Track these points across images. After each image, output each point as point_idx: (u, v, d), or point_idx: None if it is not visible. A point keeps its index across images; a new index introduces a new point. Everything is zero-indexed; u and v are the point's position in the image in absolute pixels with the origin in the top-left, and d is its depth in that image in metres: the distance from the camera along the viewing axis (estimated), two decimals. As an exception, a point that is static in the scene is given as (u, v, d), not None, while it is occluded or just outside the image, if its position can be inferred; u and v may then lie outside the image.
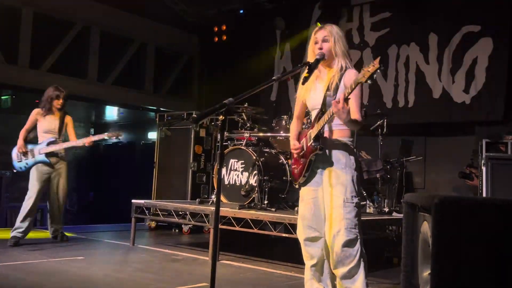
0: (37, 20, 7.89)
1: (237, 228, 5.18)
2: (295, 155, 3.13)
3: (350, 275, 2.87)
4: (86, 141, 5.79)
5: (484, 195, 5.35)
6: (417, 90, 7.22)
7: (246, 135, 6.05)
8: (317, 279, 3.10)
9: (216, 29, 9.37)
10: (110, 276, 4.33)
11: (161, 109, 9.53)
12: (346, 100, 2.69)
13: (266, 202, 5.44)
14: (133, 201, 6.11)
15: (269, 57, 8.86)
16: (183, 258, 5.41)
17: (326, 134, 3.00)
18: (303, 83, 2.98)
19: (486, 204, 2.01)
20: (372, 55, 7.61)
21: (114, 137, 5.92)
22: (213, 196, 6.22)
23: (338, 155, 2.97)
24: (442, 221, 1.91)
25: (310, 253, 3.06)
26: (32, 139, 5.99)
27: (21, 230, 5.70)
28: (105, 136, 5.87)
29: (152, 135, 12.31)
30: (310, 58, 3.02)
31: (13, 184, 8.70)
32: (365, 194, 5.88)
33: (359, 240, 2.89)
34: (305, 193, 3.10)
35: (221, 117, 2.57)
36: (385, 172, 6.18)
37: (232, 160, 6.05)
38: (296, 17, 8.50)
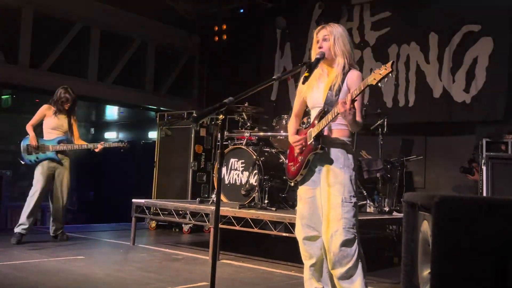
0: (37, 19, 7.89)
1: (237, 228, 5.18)
2: (297, 150, 3.11)
3: (348, 275, 2.86)
4: (98, 146, 5.98)
5: (484, 194, 5.35)
6: (417, 89, 7.22)
7: (247, 134, 6.05)
8: (316, 278, 3.10)
9: (217, 28, 9.36)
10: (111, 276, 4.33)
11: (162, 108, 9.53)
12: (353, 101, 2.69)
13: (266, 201, 5.44)
14: (133, 200, 6.11)
15: (269, 57, 8.86)
16: (183, 257, 5.41)
17: (325, 133, 2.99)
18: (303, 83, 2.97)
19: (487, 203, 2.01)
20: (372, 54, 7.61)
21: (121, 146, 6.17)
22: (214, 196, 6.22)
23: (337, 154, 2.95)
24: (442, 220, 1.91)
25: (309, 253, 3.05)
26: (37, 134, 6.01)
27: (25, 227, 5.73)
28: (115, 145, 6.14)
29: (153, 135, 12.32)
30: (313, 57, 3.02)
31: (14, 183, 8.72)
32: (365, 194, 5.88)
33: (356, 240, 2.88)
34: (303, 192, 3.09)
35: (221, 117, 2.56)
36: (385, 171, 6.18)
37: (232, 160, 6.05)
38: (296, 16, 8.50)
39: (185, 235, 7.37)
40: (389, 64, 2.57)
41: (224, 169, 6.08)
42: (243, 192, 5.64)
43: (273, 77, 2.90)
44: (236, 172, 6.01)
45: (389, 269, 5.08)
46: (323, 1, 8.18)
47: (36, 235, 6.38)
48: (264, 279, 4.51)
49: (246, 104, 6.01)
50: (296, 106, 3.26)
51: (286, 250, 5.65)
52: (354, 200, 2.91)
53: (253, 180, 5.72)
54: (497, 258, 1.86)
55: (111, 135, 14.91)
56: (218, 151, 2.57)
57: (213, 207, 5.27)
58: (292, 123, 3.26)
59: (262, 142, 6.06)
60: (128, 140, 14.14)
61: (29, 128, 5.94)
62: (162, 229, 7.77)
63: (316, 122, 2.97)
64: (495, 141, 5.54)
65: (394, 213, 5.74)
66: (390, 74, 2.57)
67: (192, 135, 7.52)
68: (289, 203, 5.84)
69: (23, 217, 5.75)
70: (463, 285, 1.86)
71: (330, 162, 2.95)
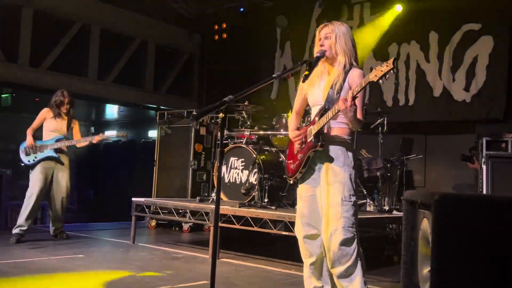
0: (37, 18, 7.88)
1: (237, 226, 5.19)
2: (297, 146, 3.11)
3: (347, 274, 2.86)
4: (96, 138, 5.96)
5: (484, 192, 5.35)
6: (417, 88, 7.22)
7: (246, 133, 6.05)
8: (316, 277, 3.09)
9: (217, 27, 9.36)
10: (110, 274, 4.33)
11: (161, 107, 9.53)
12: (354, 98, 2.68)
13: (266, 200, 5.44)
14: (133, 199, 6.11)
15: (269, 55, 8.85)
16: (183, 256, 5.41)
17: (326, 131, 2.98)
18: (303, 81, 2.97)
19: (486, 201, 2.01)
20: (372, 53, 7.61)
21: (121, 136, 6.23)
22: (213, 194, 6.22)
23: (336, 152, 2.94)
24: (442, 218, 1.91)
25: (309, 251, 3.05)
26: (38, 137, 6.04)
27: (24, 228, 5.74)
28: (114, 134, 6.13)
29: (153, 133, 12.32)
30: (315, 55, 3.02)
31: (14, 182, 8.71)
32: (365, 193, 5.88)
33: (356, 239, 2.87)
34: (303, 191, 3.08)
35: (221, 115, 2.56)
36: (385, 170, 6.18)
37: (232, 158, 6.05)
38: (296, 15, 8.50)
39: (185, 233, 7.37)
40: (390, 60, 2.57)
41: (224, 168, 6.07)
42: (243, 191, 5.64)
43: (273, 76, 2.90)
44: (236, 171, 6.01)
45: (389, 267, 5.08)
46: (323, 0, 8.17)
47: (37, 233, 6.38)
48: (264, 277, 4.51)
49: (246, 103, 6.01)
50: (297, 104, 3.26)
51: (286, 249, 5.66)
52: (353, 199, 2.90)
53: (253, 179, 5.72)
54: (497, 256, 1.86)
55: (111, 134, 14.91)
56: (218, 149, 2.56)
57: (213, 206, 5.27)
58: (292, 120, 3.26)
59: (262, 140, 6.06)
60: (129, 139, 14.19)
61: (28, 131, 5.97)
62: (162, 228, 7.77)
63: (316, 119, 2.96)
64: (495, 140, 5.53)
65: (394, 212, 5.74)
66: (392, 71, 2.57)
67: (192, 134, 7.52)
68: (289, 201, 5.84)
69: (21, 219, 5.74)
70: (463, 283, 1.86)
71: (330, 160, 2.94)
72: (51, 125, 6.02)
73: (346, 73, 2.95)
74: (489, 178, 5.38)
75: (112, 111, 14.44)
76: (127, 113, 14.04)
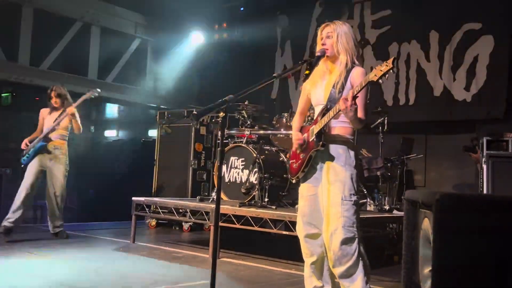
0: (37, 17, 7.88)
1: (238, 226, 5.18)
2: (296, 146, 3.10)
3: (348, 274, 2.85)
4: (68, 110, 5.86)
5: (484, 192, 5.35)
6: (418, 87, 7.21)
7: (247, 132, 6.04)
8: (316, 276, 3.09)
9: (217, 26, 9.36)
10: (110, 274, 4.33)
11: (162, 106, 9.53)
12: (354, 98, 2.68)
13: (266, 199, 5.43)
14: (133, 198, 6.10)
15: (269, 54, 8.85)
16: (183, 255, 5.41)
17: (328, 131, 2.98)
18: (304, 81, 2.98)
19: (487, 201, 2.01)
20: (372, 52, 7.61)
21: (93, 94, 6.05)
22: (214, 194, 6.22)
23: (338, 151, 2.94)
24: (443, 217, 1.91)
25: (310, 250, 3.05)
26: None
27: (10, 220, 5.73)
28: (85, 97, 6.00)
29: (153, 133, 12.30)
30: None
31: (14, 181, 8.69)
32: (365, 192, 5.88)
33: (356, 238, 2.86)
34: (305, 190, 3.08)
35: (221, 114, 2.55)
36: (385, 170, 6.18)
37: (232, 158, 6.04)
38: (297, 14, 8.49)
39: (185, 233, 7.37)
40: (390, 60, 2.58)
41: (224, 167, 6.07)
42: (243, 190, 5.63)
43: (273, 75, 2.90)
44: (236, 170, 6.01)
45: (389, 267, 5.08)
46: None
47: (36, 233, 6.38)
48: (264, 277, 4.51)
49: (246, 102, 6.01)
50: (300, 104, 3.26)
51: (286, 248, 5.65)
52: (354, 198, 2.89)
53: (253, 178, 5.71)
54: (498, 255, 1.86)
55: (111, 133, 14.90)
56: (218, 149, 2.56)
57: (213, 205, 5.27)
58: (296, 120, 3.26)
59: (262, 140, 6.06)
60: (128, 138, 14.18)
61: (34, 133, 6.05)
62: (162, 227, 7.77)
63: (319, 119, 2.96)
64: (495, 140, 5.53)
65: (394, 212, 5.74)
66: (391, 71, 2.57)
67: (192, 133, 7.52)
68: (289, 201, 5.84)
69: (10, 211, 5.76)
70: (464, 282, 1.86)
71: (331, 159, 2.94)
72: (47, 122, 6.04)
73: (348, 72, 2.95)
74: (490, 178, 5.37)
75: (112, 110, 14.45)
76: (127, 113, 14.03)
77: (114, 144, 14.40)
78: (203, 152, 7.62)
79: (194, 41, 9.55)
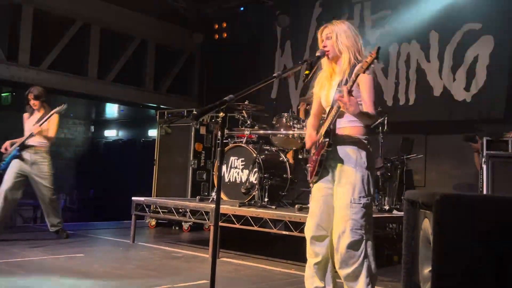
0: (37, 17, 7.88)
1: (237, 226, 5.18)
2: (309, 145, 3.11)
3: (354, 275, 2.85)
4: (34, 130, 5.71)
5: (484, 192, 5.35)
6: (417, 88, 7.21)
7: (247, 132, 6.04)
8: (319, 277, 3.08)
9: (217, 26, 9.36)
10: (110, 273, 4.33)
11: (161, 106, 9.53)
12: (349, 92, 2.67)
13: (266, 199, 5.43)
14: (133, 198, 6.10)
15: (269, 54, 8.85)
16: (183, 255, 5.41)
17: (339, 131, 2.96)
18: (303, 81, 2.99)
19: (487, 201, 2.01)
20: (372, 53, 7.59)
21: (61, 109, 5.84)
22: (213, 194, 6.22)
23: (348, 153, 2.93)
24: (443, 218, 1.90)
25: (315, 251, 3.03)
26: None
27: None
28: (53, 112, 5.78)
29: (153, 133, 12.32)
30: None
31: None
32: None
33: (364, 241, 2.85)
34: (316, 191, 3.07)
35: (221, 114, 2.55)
36: (385, 170, 6.18)
37: (232, 158, 6.04)
38: (296, 14, 8.49)
39: (185, 233, 7.37)
40: (374, 50, 2.60)
41: (224, 167, 6.07)
42: (243, 190, 5.63)
43: (273, 75, 2.90)
44: (236, 170, 6.01)
45: (389, 267, 5.08)
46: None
47: (36, 232, 6.38)
48: (264, 277, 4.51)
49: (246, 102, 6.00)
50: (314, 107, 3.25)
51: (286, 249, 5.66)
52: (364, 201, 2.86)
53: (253, 178, 5.71)
54: (498, 256, 1.86)
55: (111, 133, 14.92)
56: (218, 149, 2.56)
57: (213, 205, 5.27)
58: (310, 122, 3.25)
59: (262, 140, 6.06)
60: (128, 138, 14.19)
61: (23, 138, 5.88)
62: (162, 227, 7.77)
63: (326, 120, 2.98)
64: (495, 140, 5.53)
65: (394, 212, 5.73)
66: (376, 60, 2.59)
67: (192, 133, 7.52)
68: (289, 201, 5.84)
69: None
70: (464, 283, 1.86)
71: (341, 161, 2.93)
72: (27, 126, 5.90)
73: (352, 69, 2.91)
74: (490, 178, 5.37)
75: (112, 110, 14.46)
76: (127, 112, 14.05)
77: (114, 144, 14.41)
78: (203, 152, 7.62)
79: (194, 40, 9.55)
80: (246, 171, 5.84)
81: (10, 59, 7.71)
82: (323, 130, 2.96)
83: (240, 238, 6.20)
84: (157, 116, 8.11)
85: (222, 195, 5.97)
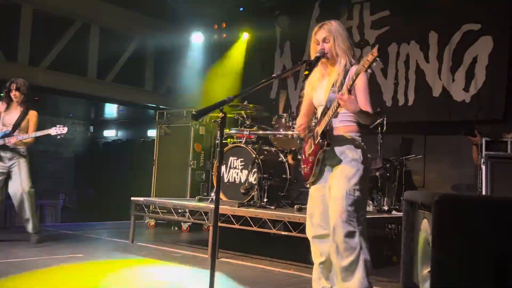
0: (36, 17, 7.87)
1: (237, 226, 5.18)
2: (302, 133, 3.13)
3: (350, 268, 2.86)
4: (27, 137, 5.41)
5: (483, 193, 5.35)
6: (417, 88, 7.21)
7: (246, 133, 6.04)
8: (325, 277, 3.10)
9: (216, 26, 9.35)
10: (109, 274, 4.33)
11: (161, 106, 9.53)
12: (349, 91, 2.71)
13: (265, 200, 5.43)
14: (132, 198, 6.10)
15: (269, 55, 8.84)
16: (182, 255, 5.41)
17: (332, 132, 3.01)
18: (303, 81, 3.01)
19: (486, 202, 2.01)
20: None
21: (60, 134, 5.41)
22: (213, 194, 6.22)
23: (344, 151, 2.98)
24: (442, 218, 1.91)
25: (319, 251, 3.06)
26: None
27: None
28: (47, 132, 5.41)
29: (152, 133, 12.32)
30: (313, 57, 3.05)
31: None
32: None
33: (358, 233, 2.87)
34: (314, 191, 3.11)
35: (220, 115, 2.56)
36: (384, 170, 6.18)
37: (231, 158, 6.04)
38: (296, 15, 8.49)
39: (184, 233, 7.36)
40: (375, 49, 2.62)
41: (223, 168, 6.07)
42: (242, 191, 5.63)
43: (273, 75, 2.92)
44: (235, 171, 6.01)
45: (388, 267, 5.07)
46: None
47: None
48: (263, 277, 4.50)
49: (245, 103, 6.00)
50: (303, 107, 3.28)
51: (285, 249, 5.65)
52: (358, 194, 2.90)
53: (252, 179, 5.71)
54: (497, 256, 1.86)
55: (110, 133, 14.91)
56: (218, 149, 2.56)
57: (212, 206, 5.27)
58: (299, 120, 3.27)
59: (261, 140, 6.06)
60: (128, 138, 14.18)
61: None
62: (161, 227, 7.76)
63: (321, 120, 3.00)
64: (494, 140, 5.54)
65: (393, 212, 5.74)
66: (377, 59, 2.60)
67: (191, 134, 7.51)
68: (288, 201, 5.84)
69: None
70: (463, 283, 1.86)
71: (338, 159, 2.98)
72: (3, 119, 5.56)
73: (346, 71, 2.98)
74: (489, 179, 5.38)
75: (111, 110, 14.45)
76: (126, 112, 14.04)
77: (113, 144, 14.40)
78: (202, 152, 7.61)
79: (194, 41, 9.56)
80: (245, 172, 5.85)
81: (9, 59, 7.71)
82: (319, 130, 2.97)
83: (239, 239, 6.20)
84: (156, 116, 8.10)
85: (221, 196, 5.97)
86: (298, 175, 6.05)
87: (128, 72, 9.27)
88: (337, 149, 2.98)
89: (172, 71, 9.92)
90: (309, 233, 3.09)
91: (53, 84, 8.14)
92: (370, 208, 5.87)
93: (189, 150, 7.51)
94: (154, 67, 9.63)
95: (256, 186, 5.57)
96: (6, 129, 5.51)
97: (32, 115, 5.65)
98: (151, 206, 6.16)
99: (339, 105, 2.78)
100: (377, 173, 6.08)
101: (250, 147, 5.87)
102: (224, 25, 9.29)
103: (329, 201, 2.99)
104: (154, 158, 7.95)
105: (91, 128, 14.96)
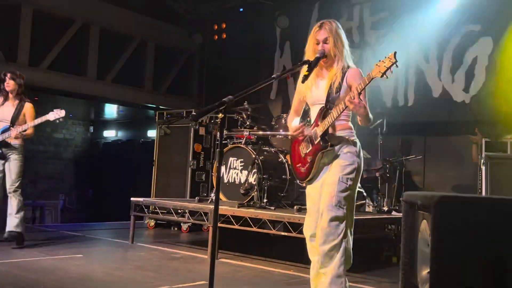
0: (36, 17, 7.87)
1: (236, 227, 5.18)
2: (300, 137, 3.12)
3: (330, 253, 2.89)
4: (26, 127, 5.30)
5: (483, 194, 5.35)
6: (416, 89, 7.21)
7: (246, 133, 6.04)
8: None
9: (216, 27, 9.35)
10: (109, 274, 4.33)
11: (161, 107, 9.52)
12: (359, 95, 2.76)
13: (265, 200, 5.43)
14: (132, 199, 6.10)
15: (268, 55, 8.84)
16: (181, 256, 5.41)
17: (329, 129, 3.03)
18: (302, 82, 3.01)
19: (485, 203, 2.01)
20: (372, 53, 7.59)
21: (58, 117, 5.37)
22: (212, 194, 6.22)
23: (341, 147, 3.01)
24: (441, 219, 1.91)
25: (316, 249, 3.06)
26: None
27: None
28: (46, 118, 5.34)
29: (152, 133, 12.32)
30: (310, 56, 3.07)
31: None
32: (364, 194, 5.88)
33: (344, 221, 2.90)
34: (311, 190, 3.13)
35: (220, 115, 2.57)
36: (384, 171, 6.18)
37: (231, 159, 6.04)
38: (296, 15, 8.49)
39: (183, 234, 7.36)
40: (392, 54, 2.62)
41: (223, 168, 6.07)
42: (242, 191, 5.63)
43: (273, 76, 2.92)
44: (235, 171, 6.01)
45: (387, 268, 5.08)
46: (323, 0, 8.17)
47: (35, 233, 6.37)
48: (263, 278, 4.51)
49: (245, 103, 6.00)
50: (295, 104, 3.31)
51: (285, 249, 5.65)
52: (350, 183, 2.95)
53: (252, 179, 5.71)
54: (496, 257, 1.86)
55: (110, 133, 14.90)
56: (217, 150, 2.57)
57: (212, 206, 5.27)
58: (291, 118, 3.30)
59: (261, 141, 6.06)
60: (127, 138, 14.18)
61: None
62: (161, 228, 7.77)
63: (319, 120, 3.01)
64: (494, 141, 5.54)
65: (393, 213, 5.74)
66: (395, 65, 2.60)
67: (191, 134, 7.52)
68: (288, 202, 5.84)
69: None
70: (462, 284, 1.86)
71: (335, 156, 3.01)
72: (1, 113, 5.43)
73: (343, 73, 3.01)
74: (488, 179, 5.38)
75: (111, 110, 14.43)
76: (126, 113, 14.02)
77: (113, 144, 14.39)
78: (202, 152, 7.62)
79: (194, 41, 9.55)
80: (245, 172, 5.85)
81: (9, 59, 7.70)
82: (319, 131, 2.98)
83: (239, 239, 6.20)
84: (156, 117, 8.10)
85: (221, 196, 5.97)
86: (298, 175, 6.05)
87: (128, 72, 9.26)
88: (335, 148, 3.02)
89: (172, 71, 9.93)
90: (306, 231, 3.10)
91: (53, 84, 8.13)
92: (370, 208, 5.87)
93: (189, 150, 7.51)
94: (154, 67, 9.62)
95: (256, 187, 5.57)
96: (5, 125, 5.42)
97: (28, 107, 5.54)
98: (151, 207, 6.16)
99: (346, 107, 2.81)
100: (377, 174, 6.09)
101: (250, 148, 5.87)
102: (224, 25, 9.29)
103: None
104: (154, 159, 7.95)
105: (91, 128, 14.94)
